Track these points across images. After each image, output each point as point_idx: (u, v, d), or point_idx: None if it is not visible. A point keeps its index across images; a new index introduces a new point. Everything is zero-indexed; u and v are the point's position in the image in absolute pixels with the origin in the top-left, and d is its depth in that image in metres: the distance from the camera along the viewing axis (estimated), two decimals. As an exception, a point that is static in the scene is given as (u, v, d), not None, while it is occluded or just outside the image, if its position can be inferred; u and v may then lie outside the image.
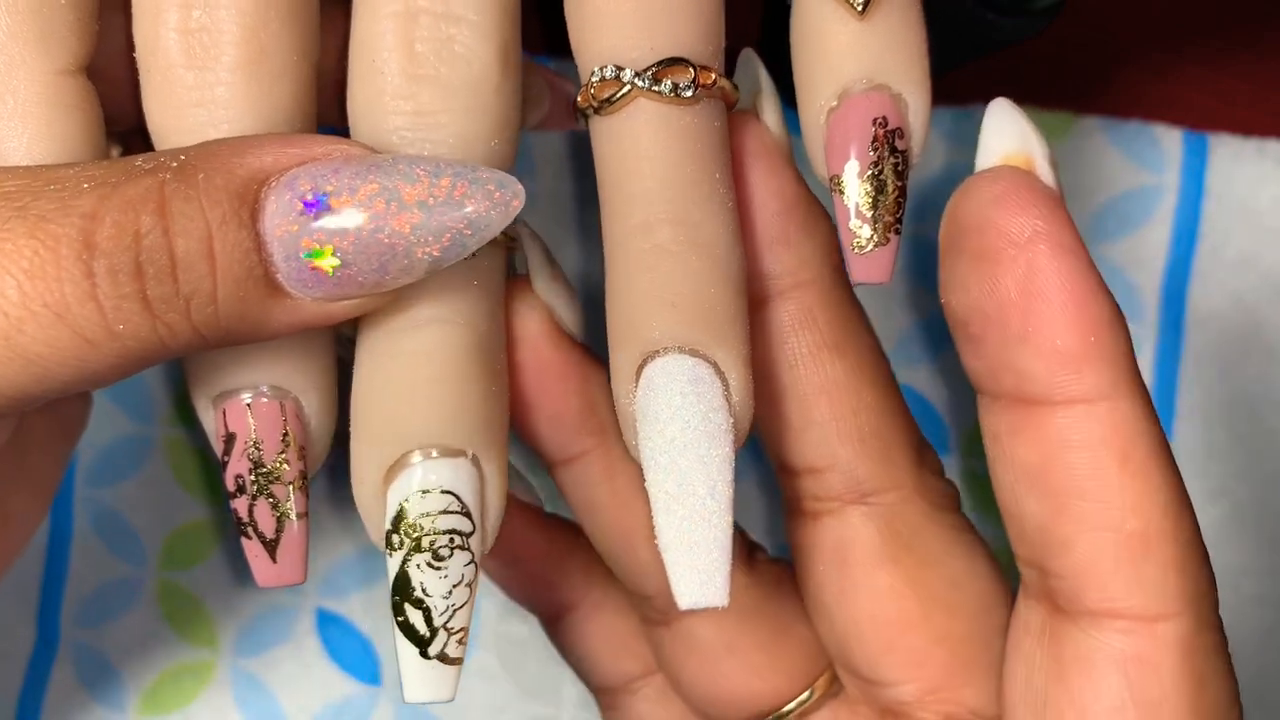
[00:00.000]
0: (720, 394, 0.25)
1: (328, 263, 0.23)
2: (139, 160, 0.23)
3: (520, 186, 0.23)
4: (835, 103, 0.25)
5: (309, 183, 0.23)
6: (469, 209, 0.23)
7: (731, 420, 0.25)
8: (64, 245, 0.22)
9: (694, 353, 0.25)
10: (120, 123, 0.28)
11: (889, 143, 0.25)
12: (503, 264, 0.27)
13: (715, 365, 0.25)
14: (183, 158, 0.23)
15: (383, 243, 0.23)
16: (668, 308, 0.25)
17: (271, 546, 0.26)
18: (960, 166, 0.37)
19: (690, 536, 0.24)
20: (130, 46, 0.26)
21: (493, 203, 0.23)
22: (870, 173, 0.25)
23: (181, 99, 0.25)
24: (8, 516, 0.30)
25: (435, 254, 0.23)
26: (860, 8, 0.24)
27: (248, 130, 0.25)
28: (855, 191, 0.25)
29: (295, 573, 0.27)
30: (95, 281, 0.22)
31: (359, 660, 0.38)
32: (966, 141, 0.37)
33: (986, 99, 0.37)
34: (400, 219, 0.23)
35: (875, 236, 0.25)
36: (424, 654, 0.25)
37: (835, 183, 0.25)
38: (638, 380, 0.25)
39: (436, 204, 0.23)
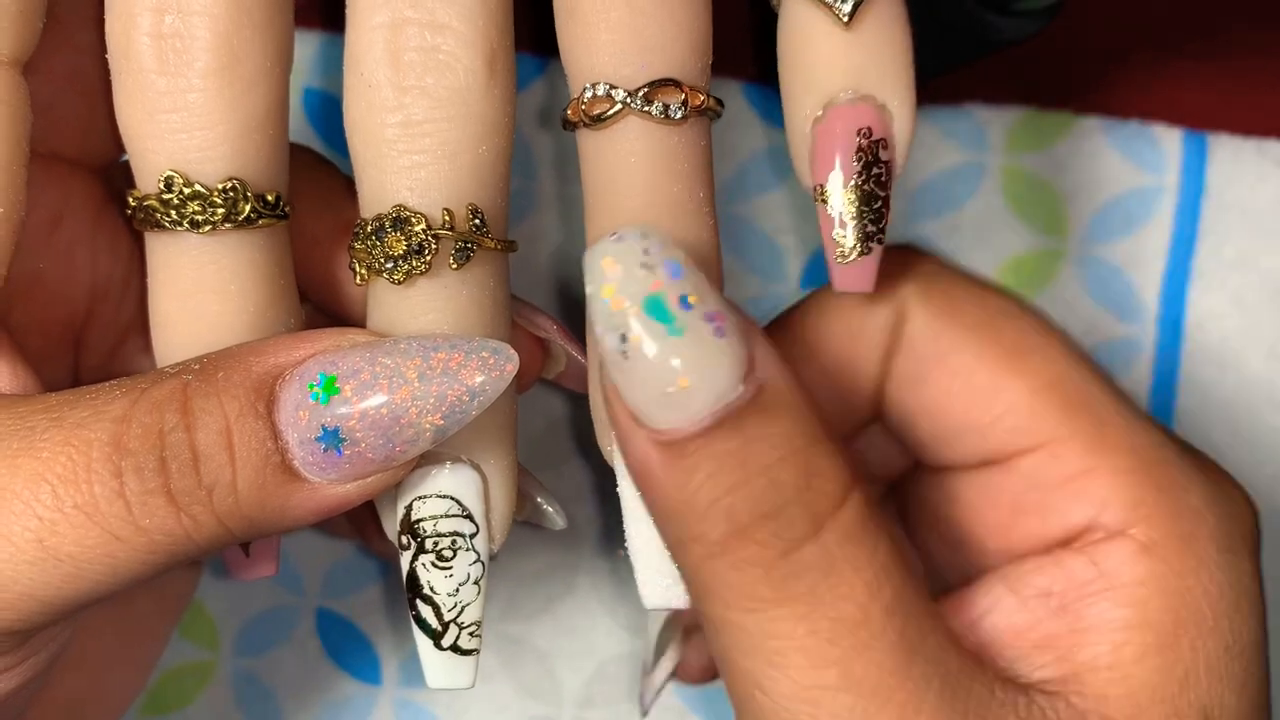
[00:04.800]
0: None
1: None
2: (169, 367, 0.24)
3: (514, 353, 0.24)
4: (820, 113, 0.25)
5: (317, 371, 0.24)
6: (464, 378, 0.24)
7: None
8: (95, 449, 0.23)
9: None
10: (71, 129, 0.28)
11: (873, 153, 0.25)
12: (505, 273, 0.27)
13: None
14: (206, 360, 0.24)
15: (386, 417, 0.24)
16: None
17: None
18: (959, 166, 0.37)
19: (658, 544, 0.25)
20: (88, 54, 0.26)
21: (487, 369, 0.24)
22: (854, 183, 0.25)
23: (154, 104, 0.25)
24: (105, 692, 0.32)
25: (438, 423, 0.24)
26: (846, 18, 0.24)
27: (221, 134, 0.25)
28: (839, 201, 0.25)
29: (268, 564, 0.28)
30: (123, 480, 0.23)
31: (359, 660, 0.38)
32: (965, 141, 0.37)
33: (986, 99, 0.37)
34: (400, 393, 0.24)
35: (858, 246, 0.25)
36: (438, 646, 0.26)
37: (819, 192, 0.25)
38: None
39: (434, 376, 0.24)
